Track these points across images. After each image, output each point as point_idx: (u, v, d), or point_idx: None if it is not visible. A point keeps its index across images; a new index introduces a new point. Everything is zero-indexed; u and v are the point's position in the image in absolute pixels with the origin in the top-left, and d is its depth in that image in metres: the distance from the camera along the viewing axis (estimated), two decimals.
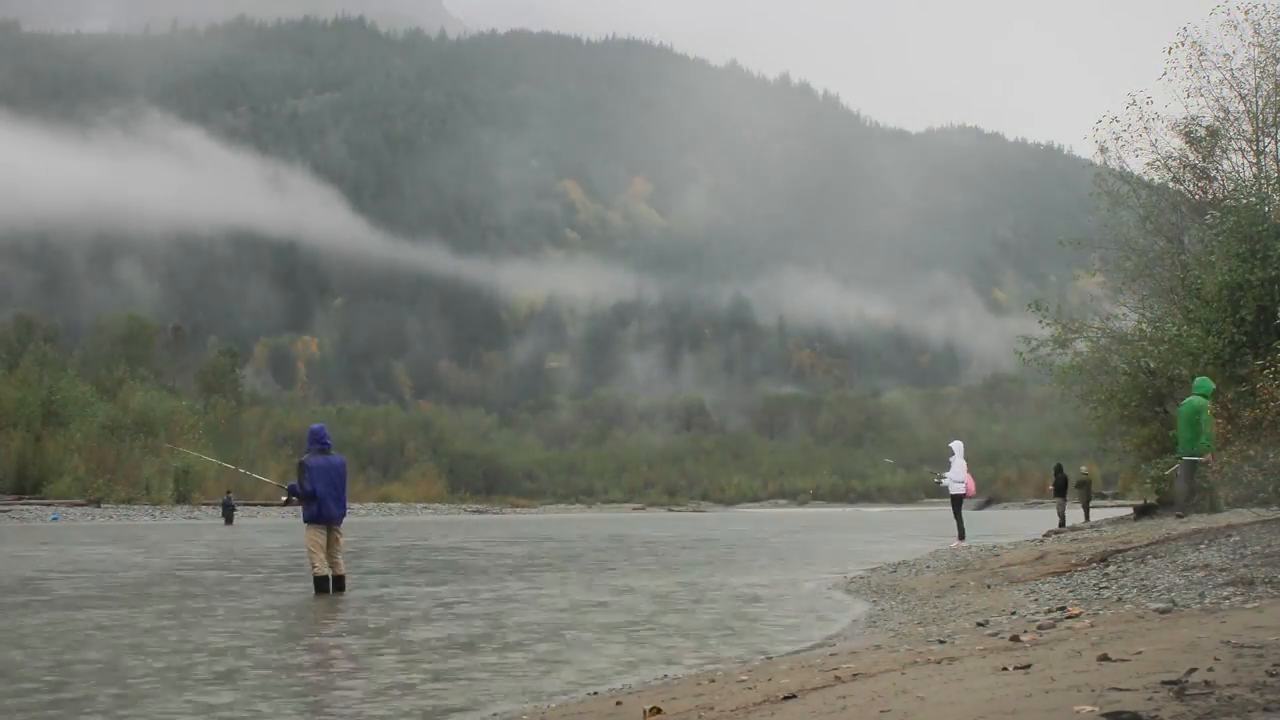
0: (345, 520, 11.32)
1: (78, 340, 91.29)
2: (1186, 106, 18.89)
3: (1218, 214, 16.06)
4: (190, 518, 49.52)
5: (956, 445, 18.43)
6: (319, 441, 11.18)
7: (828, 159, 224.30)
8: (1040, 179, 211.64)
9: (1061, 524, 23.55)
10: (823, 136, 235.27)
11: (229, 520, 41.91)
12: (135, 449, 60.09)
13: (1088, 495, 27.98)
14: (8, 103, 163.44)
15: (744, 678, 5.31)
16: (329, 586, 10.85)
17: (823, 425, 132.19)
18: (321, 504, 10.92)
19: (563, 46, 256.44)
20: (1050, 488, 26.52)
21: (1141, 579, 7.49)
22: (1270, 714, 2.66)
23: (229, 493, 46.80)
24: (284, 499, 11.48)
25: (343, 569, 11.14)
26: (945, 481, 18.36)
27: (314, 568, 10.91)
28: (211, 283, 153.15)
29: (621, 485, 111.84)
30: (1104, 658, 3.77)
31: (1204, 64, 18.35)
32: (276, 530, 33.67)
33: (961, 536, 17.75)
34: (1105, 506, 43.31)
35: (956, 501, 18.22)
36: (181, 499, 57.52)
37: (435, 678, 6.12)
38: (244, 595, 11.25)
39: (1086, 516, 26.09)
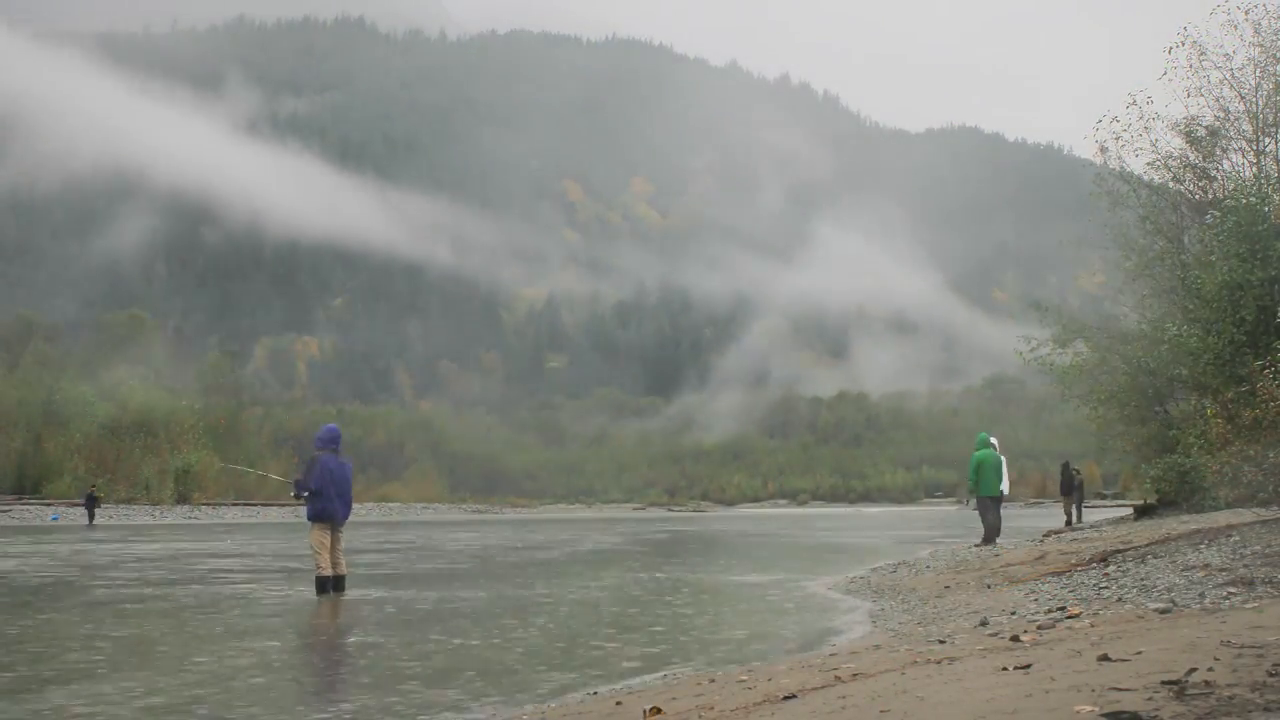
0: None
1: (78, 340, 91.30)
2: (1186, 106, 18.89)
3: (1218, 214, 16.05)
4: (191, 517, 49.51)
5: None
6: (334, 442, 11.10)
7: (828, 159, 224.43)
8: (1040, 179, 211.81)
9: (1068, 523, 23.43)
10: (823, 136, 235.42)
11: (91, 519, 40.76)
12: (135, 449, 60.12)
13: (1080, 495, 27.98)
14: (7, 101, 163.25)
15: (744, 678, 5.31)
16: (330, 587, 10.72)
17: (823, 425, 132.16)
18: (326, 501, 10.82)
19: (563, 46, 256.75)
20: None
21: (1141, 579, 7.49)
22: (1270, 714, 2.66)
23: (93, 487, 45.64)
24: (293, 494, 11.25)
25: (344, 568, 11.06)
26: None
27: (318, 567, 10.78)
28: (212, 282, 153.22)
29: (621, 485, 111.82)
30: (1104, 658, 3.77)
31: (1204, 64, 18.35)
32: (138, 531, 33.55)
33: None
34: (1105, 506, 43.37)
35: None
36: (181, 499, 57.54)
37: (443, 671, 6.13)
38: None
39: (1079, 516, 26.08)
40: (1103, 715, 2.76)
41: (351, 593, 11.04)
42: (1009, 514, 53.62)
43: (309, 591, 11.09)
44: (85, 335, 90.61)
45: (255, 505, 58.33)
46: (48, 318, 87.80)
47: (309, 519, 10.87)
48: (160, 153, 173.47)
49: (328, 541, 10.81)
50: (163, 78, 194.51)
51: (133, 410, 63.44)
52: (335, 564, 10.93)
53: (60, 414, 60.38)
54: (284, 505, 58.66)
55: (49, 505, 49.25)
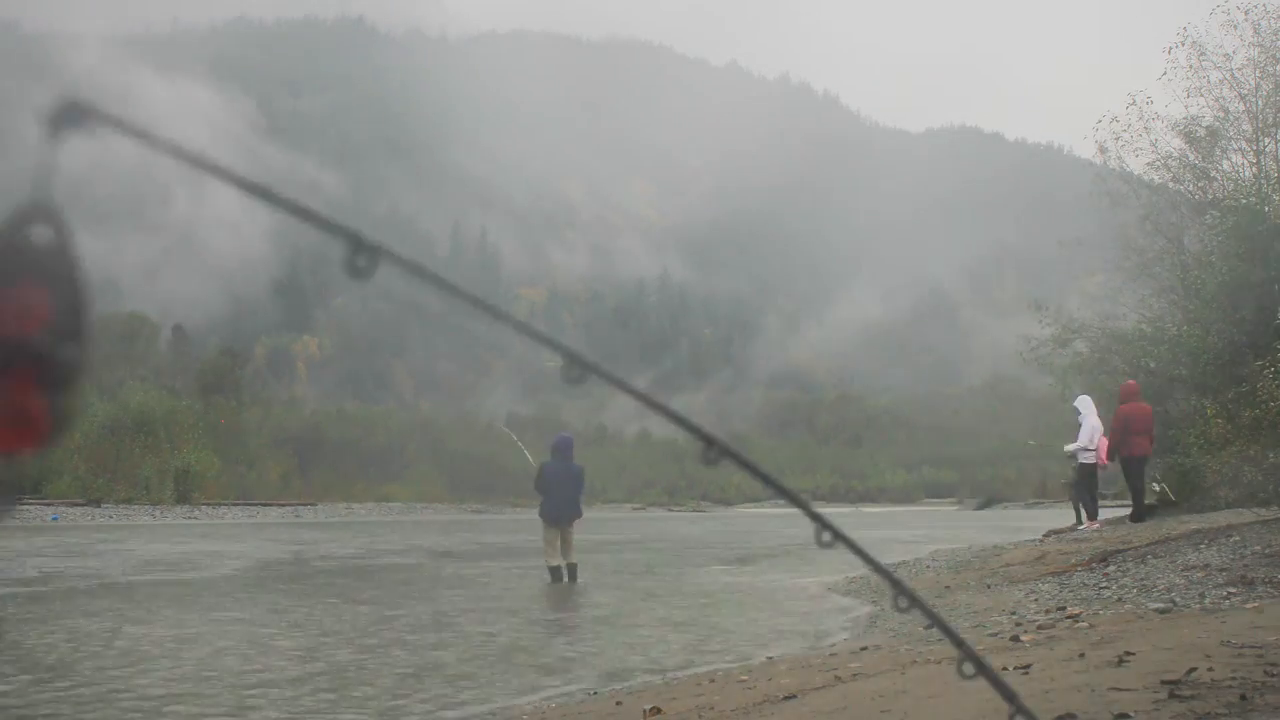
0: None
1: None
2: (1186, 106, 18.91)
3: (1218, 214, 16.07)
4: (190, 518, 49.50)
5: (1084, 402, 14.97)
6: (564, 450, 12.86)
7: (828, 159, 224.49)
8: (1040, 179, 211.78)
9: (1077, 522, 22.98)
10: (823, 136, 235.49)
11: None
12: (135, 449, 60.11)
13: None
14: (7, 102, 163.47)
15: (744, 678, 5.31)
16: (563, 575, 12.20)
17: (823, 425, 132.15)
18: (550, 504, 12.27)
19: (563, 46, 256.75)
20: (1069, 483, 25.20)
21: (1141, 579, 7.49)
22: (1270, 714, 2.67)
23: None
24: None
25: (574, 559, 12.43)
26: (1073, 449, 15.13)
27: (547, 559, 12.35)
28: (211, 282, 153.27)
29: (621, 485, 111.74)
30: (1104, 658, 3.78)
31: (1204, 64, 18.37)
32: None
33: (1093, 516, 15.22)
34: (1106, 506, 43.19)
35: (1087, 474, 15.16)
36: (181, 499, 57.52)
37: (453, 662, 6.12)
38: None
39: (1078, 517, 25.68)
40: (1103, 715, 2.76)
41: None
42: (1008, 514, 53.47)
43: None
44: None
45: (256, 505, 58.33)
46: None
47: (539, 516, 12.50)
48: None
49: (554, 539, 12.29)
50: (163, 77, 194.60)
51: (133, 410, 63.45)
52: (566, 555, 12.36)
53: None
54: (284, 505, 58.73)
55: (49, 505, 49.24)
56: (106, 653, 7.05)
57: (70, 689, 5.72)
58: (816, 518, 1.31)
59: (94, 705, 5.31)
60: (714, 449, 1.20)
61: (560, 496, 12.32)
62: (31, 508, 48.08)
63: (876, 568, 1.33)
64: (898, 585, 1.25)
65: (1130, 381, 15.32)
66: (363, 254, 1.03)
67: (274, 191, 1.02)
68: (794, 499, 1.35)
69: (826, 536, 1.29)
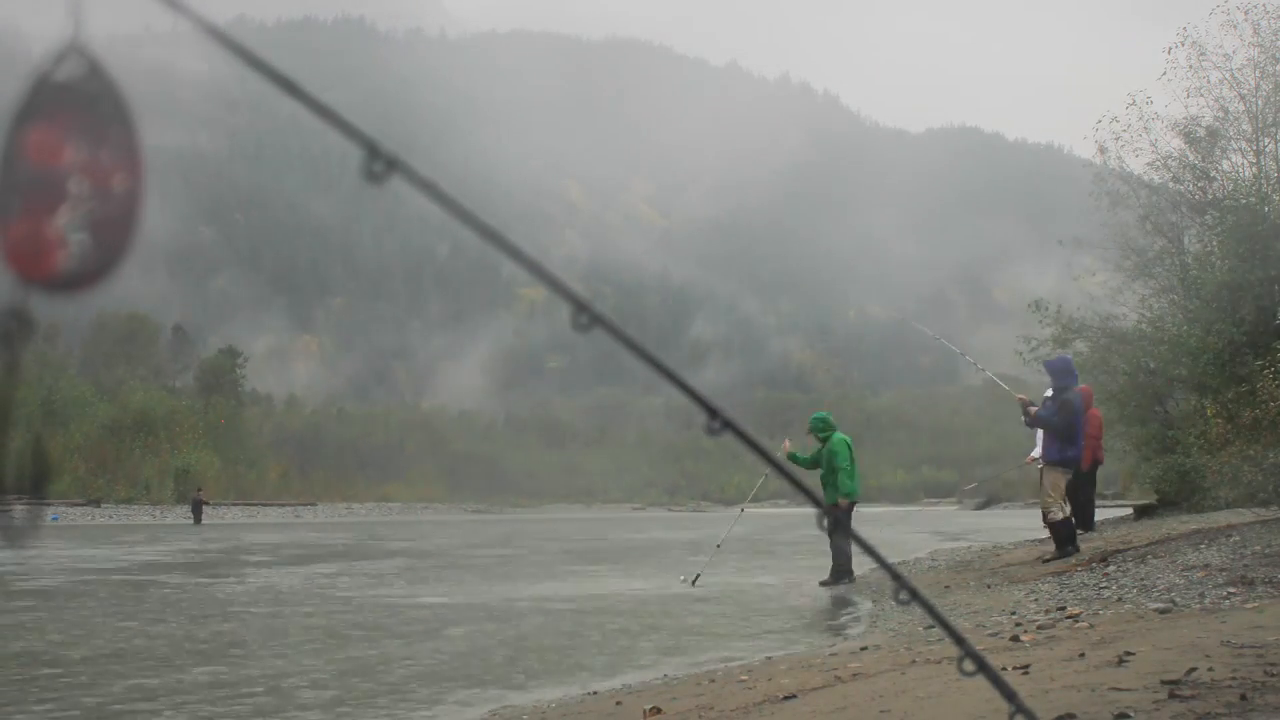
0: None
1: (78, 340, 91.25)
2: (1186, 106, 18.89)
3: (1218, 214, 16.06)
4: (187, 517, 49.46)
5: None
6: (1073, 375, 9.99)
7: (828, 159, 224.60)
8: (1040, 179, 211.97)
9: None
10: (823, 136, 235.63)
11: (198, 519, 42.07)
12: (135, 449, 60.12)
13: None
14: (5, 101, 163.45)
15: (744, 678, 5.30)
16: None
17: None
18: (1077, 447, 9.91)
19: (563, 46, 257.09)
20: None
21: (1141, 579, 7.48)
22: (1270, 714, 2.66)
23: (199, 490, 47.16)
24: (1026, 421, 10.11)
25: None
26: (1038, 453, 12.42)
27: (1059, 511, 10.05)
28: (212, 282, 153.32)
29: (621, 485, 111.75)
30: (1104, 658, 3.77)
31: (1204, 64, 18.35)
32: (248, 529, 33.61)
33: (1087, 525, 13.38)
34: (1106, 506, 43.13)
35: (1084, 474, 12.75)
36: (182, 499, 57.53)
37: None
38: None
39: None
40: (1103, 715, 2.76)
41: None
42: (1009, 514, 53.39)
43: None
44: (85, 335, 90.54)
45: (256, 505, 58.35)
46: (48, 317, 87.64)
47: (1051, 462, 9.90)
48: (159, 152, 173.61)
49: (1062, 486, 9.98)
50: (162, 78, 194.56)
51: (133, 410, 63.46)
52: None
53: (60, 414, 60.39)
54: (284, 505, 58.72)
55: (48, 505, 49.25)
56: None
57: None
58: (817, 503, 1.32)
59: None
60: (718, 420, 1.22)
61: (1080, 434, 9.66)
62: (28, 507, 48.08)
63: (875, 557, 1.32)
64: (898, 578, 1.26)
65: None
66: (379, 160, 1.05)
67: (298, 85, 1.04)
68: (795, 481, 1.36)
69: (827, 522, 1.30)
